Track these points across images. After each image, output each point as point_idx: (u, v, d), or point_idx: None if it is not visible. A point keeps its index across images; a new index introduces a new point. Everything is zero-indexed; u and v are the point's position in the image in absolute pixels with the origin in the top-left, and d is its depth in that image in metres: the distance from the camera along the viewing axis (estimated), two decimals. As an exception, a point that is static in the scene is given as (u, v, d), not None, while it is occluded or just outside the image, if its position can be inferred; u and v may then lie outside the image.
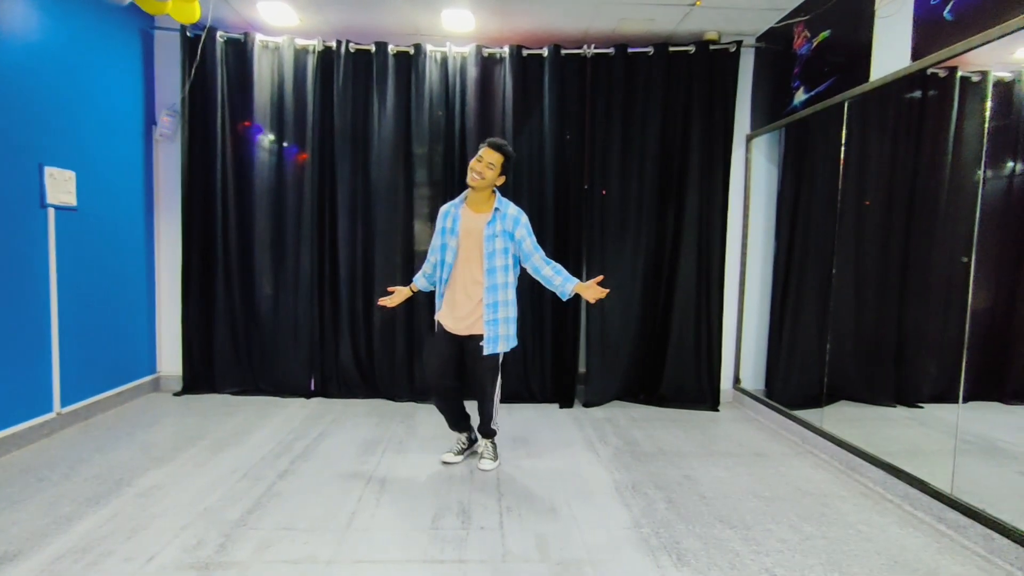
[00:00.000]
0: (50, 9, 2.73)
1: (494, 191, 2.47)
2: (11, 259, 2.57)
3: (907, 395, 3.27)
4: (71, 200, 2.89)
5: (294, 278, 3.69)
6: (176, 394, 3.65)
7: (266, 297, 3.71)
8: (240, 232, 3.66)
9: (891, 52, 2.41)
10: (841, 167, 2.83)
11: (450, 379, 2.49)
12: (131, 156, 3.44)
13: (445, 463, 2.61)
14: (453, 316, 2.44)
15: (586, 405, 3.65)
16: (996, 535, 1.88)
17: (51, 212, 2.78)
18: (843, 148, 2.80)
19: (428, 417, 3.31)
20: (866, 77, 2.55)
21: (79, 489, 2.23)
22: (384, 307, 2.58)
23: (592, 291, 2.30)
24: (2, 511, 2.03)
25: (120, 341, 3.37)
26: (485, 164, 2.35)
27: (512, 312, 2.45)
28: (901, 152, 2.93)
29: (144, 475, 2.39)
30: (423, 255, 3.64)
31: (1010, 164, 2.38)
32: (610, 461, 2.71)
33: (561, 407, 3.62)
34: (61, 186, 2.82)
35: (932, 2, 2.18)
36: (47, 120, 2.75)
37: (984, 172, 2.11)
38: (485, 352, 2.39)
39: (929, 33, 2.20)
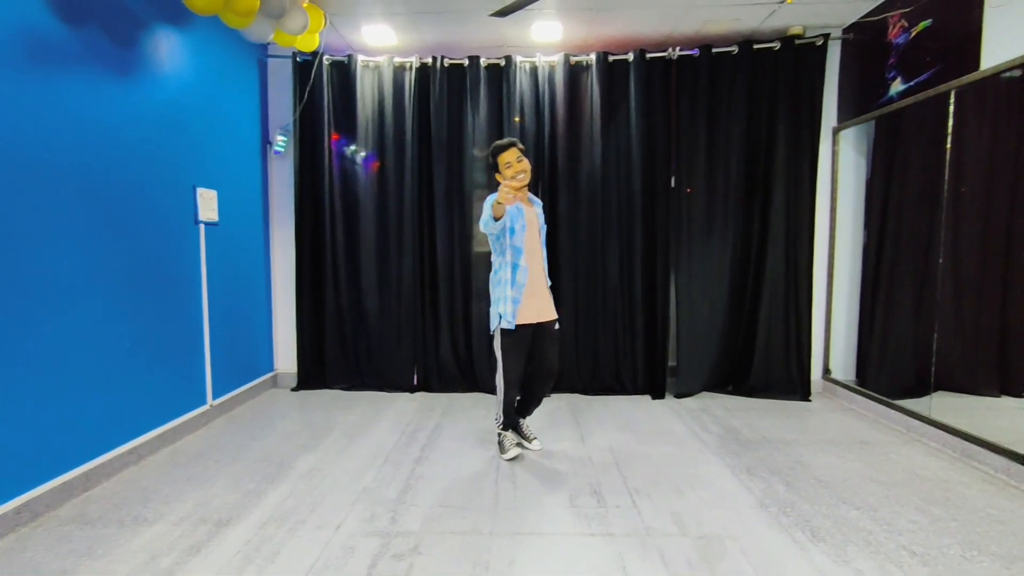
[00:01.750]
0: (190, 49, 3.07)
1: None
2: (175, 271, 2.92)
3: (1013, 384, 3.23)
4: (214, 216, 3.24)
5: (396, 280, 3.96)
6: (293, 389, 3.99)
7: (371, 299, 3.99)
8: (347, 239, 3.97)
9: (1005, 38, 2.42)
10: (948, 158, 2.84)
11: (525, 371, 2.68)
12: (252, 173, 3.80)
13: (530, 449, 2.81)
14: (536, 307, 2.58)
15: (677, 396, 3.77)
16: None
17: (202, 227, 3.13)
18: (949, 138, 2.81)
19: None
20: (976, 65, 2.57)
21: (252, 470, 2.54)
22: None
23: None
24: (199, 488, 2.35)
25: (249, 341, 3.74)
26: (526, 160, 2.53)
27: None
28: (1012, 143, 2.90)
29: (300, 459, 2.69)
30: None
31: None
32: (718, 447, 2.83)
33: (653, 398, 3.76)
34: (208, 204, 3.17)
35: (1052, -9, 2.19)
36: (197, 145, 3.10)
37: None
38: (557, 328, 2.70)
39: (1049, 21, 2.21)
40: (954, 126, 2.80)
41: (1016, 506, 2.18)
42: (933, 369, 3.03)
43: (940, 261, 2.99)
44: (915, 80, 2.98)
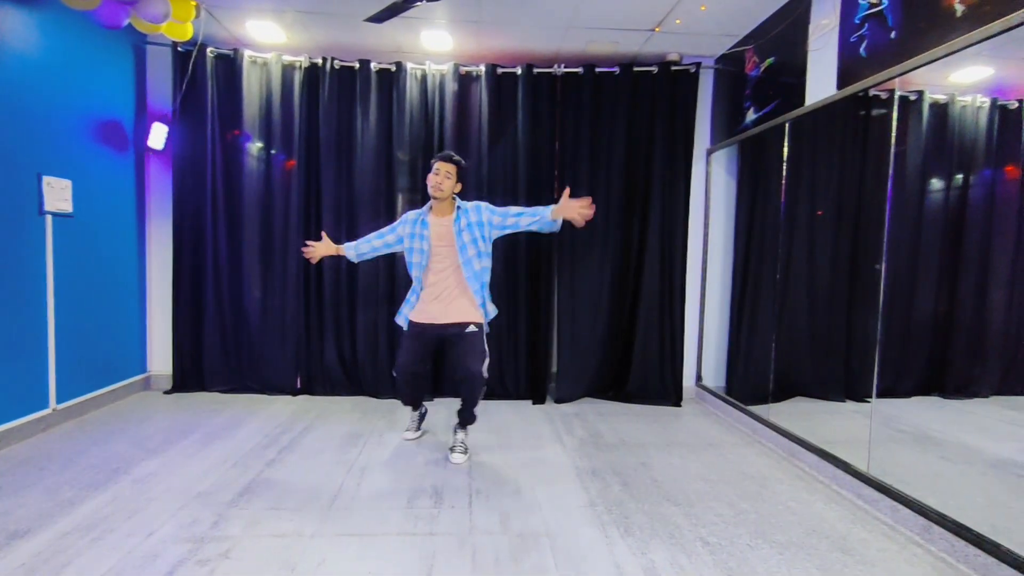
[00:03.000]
0: (46, 26, 2.91)
1: (454, 198, 2.75)
2: (11, 263, 2.73)
3: (856, 391, 3.56)
4: (67, 207, 3.06)
5: (281, 282, 3.88)
6: (166, 392, 3.81)
7: (254, 300, 3.88)
8: (230, 238, 3.84)
9: (821, 81, 2.70)
10: (783, 181, 3.12)
11: (421, 366, 2.81)
12: (123, 165, 3.61)
13: (406, 440, 2.99)
14: (437, 309, 2.71)
15: (557, 401, 3.89)
16: (901, 507, 2.15)
17: (48, 219, 2.95)
18: (785, 164, 3.09)
19: (408, 412, 3.51)
20: (802, 102, 2.84)
21: (79, 477, 2.41)
22: (310, 257, 2.92)
23: (570, 209, 2.54)
24: (7, 497, 2.20)
25: (112, 341, 3.53)
26: (443, 176, 2.65)
27: (487, 293, 2.81)
28: (836, 167, 3.22)
29: (139, 465, 2.57)
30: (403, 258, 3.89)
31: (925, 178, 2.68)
32: (574, 451, 2.95)
33: (534, 403, 3.86)
34: (58, 194, 2.99)
35: (851, 39, 2.47)
36: (45, 132, 2.92)
37: (891, 187, 2.39)
38: (471, 331, 2.68)
39: (849, 67, 2.49)
40: (788, 154, 3.07)
41: (813, 499, 2.41)
42: (772, 377, 3.29)
43: (777, 276, 3.26)
44: (763, 111, 3.26)
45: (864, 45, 2.38)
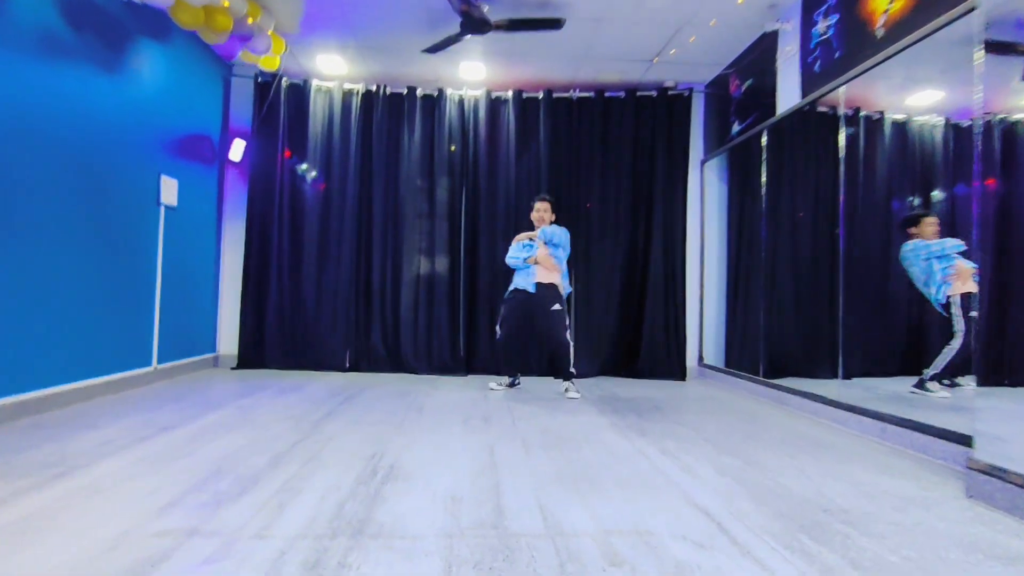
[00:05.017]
0: (166, 58, 3.65)
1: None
2: (135, 242, 3.36)
3: (838, 370, 4.07)
4: (174, 201, 3.72)
5: (335, 275, 4.49)
6: (233, 368, 4.36)
7: (311, 293, 4.49)
8: (291, 240, 4.49)
9: (789, 93, 3.39)
10: (762, 181, 3.76)
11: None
12: (210, 173, 4.31)
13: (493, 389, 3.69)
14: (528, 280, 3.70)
15: (577, 377, 4.40)
16: (864, 418, 2.67)
17: (162, 209, 3.60)
18: (763, 166, 3.74)
19: (447, 383, 4.06)
20: (774, 112, 3.52)
21: (196, 406, 2.95)
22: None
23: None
24: (145, 411, 2.74)
25: (194, 319, 4.12)
26: (541, 214, 3.74)
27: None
28: (810, 168, 3.86)
29: (238, 400, 3.11)
30: (441, 255, 4.52)
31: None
32: (596, 401, 3.47)
33: (556, 378, 4.37)
34: (169, 190, 3.66)
35: (809, 60, 3.16)
36: (163, 140, 3.62)
37: (842, 187, 3.02)
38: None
39: (809, 80, 3.17)
40: (766, 156, 3.73)
41: (795, 423, 2.91)
42: (762, 356, 3.82)
43: (763, 265, 3.85)
44: (745, 123, 3.94)
45: (818, 64, 3.06)
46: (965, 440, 2.07)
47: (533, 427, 2.71)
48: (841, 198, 3.11)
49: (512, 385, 3.84)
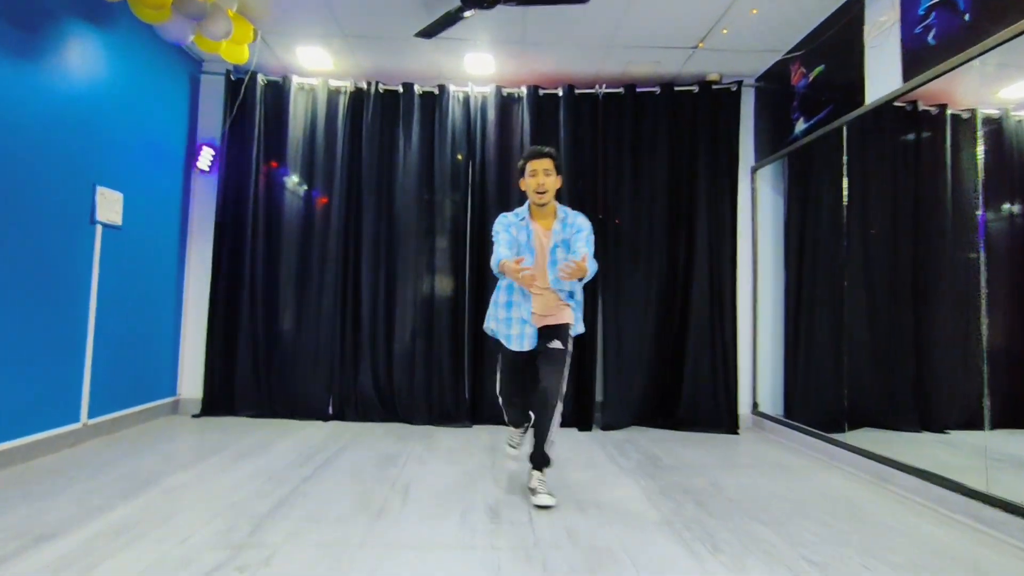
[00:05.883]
0: (113, 46, 3.02)
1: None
2: (59, 269, 2.70)
3: (931, 421, 3.24)
4: (117, 219, 3.07)
5: (317, 306, 3.79)
6: (195, 416, 3.66)
7: (289, 326, 3.79)
8: (267, 263, 3.81)
9: (883, 77, 2.63)
10: (844, 190, 2.99)
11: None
12: (171, 185, 3.66)
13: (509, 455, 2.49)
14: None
15: (604, 428, 3.64)
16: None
17: (99, 228, 2.94)
18: (844, 169, 2.97)
19: (448, 438, 3.31)
20: (862, 101, 2.76)
21: (109, 487, 2.24)
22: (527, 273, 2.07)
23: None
24: (34, 503, 2.04)
25: (146, 360, 3.44)
26: (541, 179, 2.27)
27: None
28: (901, 174, 3.09)
29: (170, 476, 2.40)
30: (444, 274, 3.80)
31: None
32: (633, 470, 2.69)
33: (580, 430, 3.61)
34: (110, 205, 3.00)
35: (916, 31, 2.41)
36: (102, 145, 2.97)
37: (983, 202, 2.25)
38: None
39: (916, 57, 2.42)
40: (848, 159, 2.97)
41: (920, 521, 2.11)
42: (846, 403, 3.02)
43: (836, 296, 3.06)
44: (815, 118, 3.19)
45: (933, 33, 2.31)
46: None
47: (557, 529, 1.94)
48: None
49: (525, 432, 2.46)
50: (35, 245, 2.55)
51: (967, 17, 2.15)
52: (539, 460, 2.25)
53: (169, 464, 2.59)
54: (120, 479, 2.34)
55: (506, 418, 2.55)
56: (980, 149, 2.27)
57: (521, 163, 2.37)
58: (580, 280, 2.21)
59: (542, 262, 2.32)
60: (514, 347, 2.31)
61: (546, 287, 2.31)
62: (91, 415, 2.92)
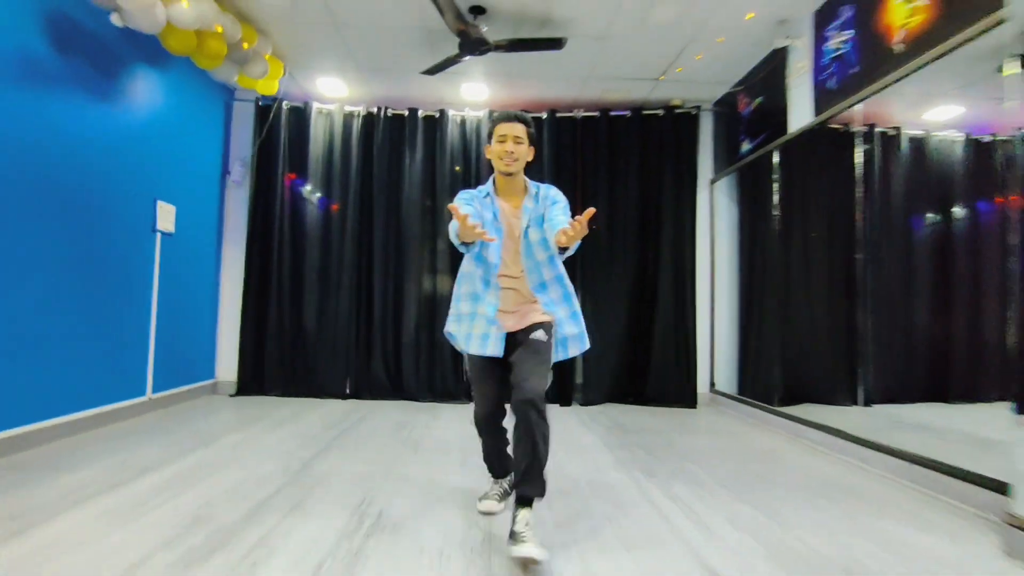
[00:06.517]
0: (166, 86, 3.61)
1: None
2: (131, 270, 3.30)
3: (861, 397, 3.85)
4: (171, 228, 3.66)
5: (335, 301, 4.39)
6: (231, 395, 4.26)
7: (311, 318, 4.40)
8: (292, 264, 4.41)
9: (801, 111, 3.25)
10: (777, 201, 3.61)
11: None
12: (210, 197, 4.26)
13: (487, 513, 1.98)
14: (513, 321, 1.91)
15: (583, 404, 4.25)
16: (891, 458, 2.48)
17: (158, 236, 3.54)
18: (775, 186, 3.59)
19: (449, 412, 3.92)
20: (785, 130, 3.38)
21: (182, 442, 2.84)
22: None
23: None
24: (128, 451, 2.63)
25: (192, 346, 4.04)
26: (511, 140, 1.84)
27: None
28: (824, 187, 3.70)
29: (228, 436, 2.99)
30: (444, 274, 4.40)
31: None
32: (603, 434, 3.30)
33: (562, 406, 4.22)
34: (166, 216, 3.60)
35: (822, 77, 3.03)
36: (162, 165, 3.57)
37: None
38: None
39: (824, 96, 3.03)
40: (779, 176, 3.58)
41: (818, 462, 2.72)
42: (780, 381, 3.63)
43: (778, 288, 3.67)
44: (755, 141, 3.80)
45: (833, 80, 2.93)
46: (1001, 488, 1.88)
47: (534, 467, 2.55)
48: (859, 216, 2.95)
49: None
50: (111, 250, 3.14)
51: (853, 71, 2.77)
52: (530, 490, 1.69)
53: (224, 428, 3.19)
54: (189, 436, 2.94)
55: (483, 455, 2.07)
56: (858, 160, 2.88)
57: (490, 127, 1.90)
58: (563, 252, 1.76)
59: (512, 246, 1.88)
60: (473, 349, 1.86)
61: (518, 275, 1.89)
62: (155, 391, 3.52)
